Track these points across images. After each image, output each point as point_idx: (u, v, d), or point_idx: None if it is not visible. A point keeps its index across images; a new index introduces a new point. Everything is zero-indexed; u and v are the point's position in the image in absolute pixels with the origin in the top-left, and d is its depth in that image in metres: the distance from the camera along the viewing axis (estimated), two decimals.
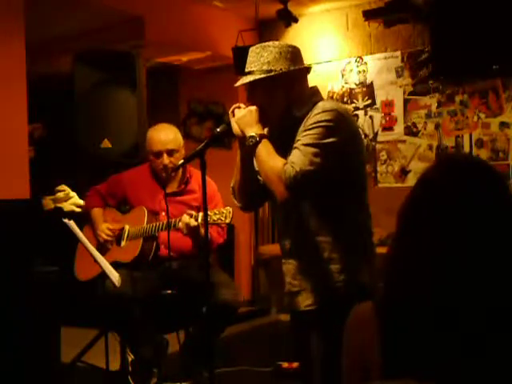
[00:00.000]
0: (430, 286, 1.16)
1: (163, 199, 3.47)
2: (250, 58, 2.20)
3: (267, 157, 2.11)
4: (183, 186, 3.65)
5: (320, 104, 2.13)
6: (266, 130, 2.29)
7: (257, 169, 2.23)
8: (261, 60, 2.15)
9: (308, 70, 2.27)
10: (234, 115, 2.22)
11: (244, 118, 2.18)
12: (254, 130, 2.15)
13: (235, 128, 2.21)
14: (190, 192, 3.64)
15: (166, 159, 3.53)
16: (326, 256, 2.13)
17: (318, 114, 2.08)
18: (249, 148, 2.15)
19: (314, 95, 2.24)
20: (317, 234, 2.15)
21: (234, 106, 2.25)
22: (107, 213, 3.72)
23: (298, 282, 2.19)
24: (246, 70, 2.20)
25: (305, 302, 2.18)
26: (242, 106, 2.22)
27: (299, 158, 2.03)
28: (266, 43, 2.20)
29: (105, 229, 3.61)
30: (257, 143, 2.13)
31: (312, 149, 2.03)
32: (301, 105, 2.18)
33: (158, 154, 3.55)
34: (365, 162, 2.27)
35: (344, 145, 2.08)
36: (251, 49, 2.22)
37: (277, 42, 2.22)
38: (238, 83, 2.23)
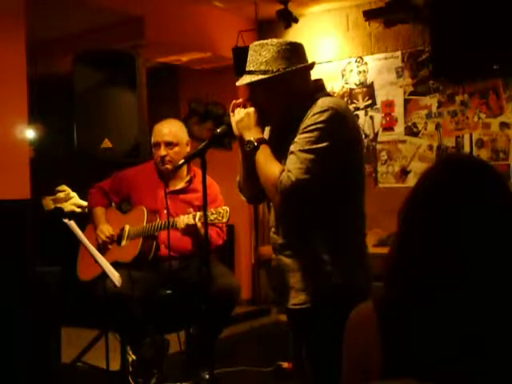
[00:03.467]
0: (430, 287, 1.16)
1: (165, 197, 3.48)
2: (249, 57, 2.17)
3: (264, 164, 2.09)
4: (186, 184, 3.67)
5: (319, 102, 2.08)
6: (267, 130, 2.28)
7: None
8: (259, 59, 2.12)
9: (309, 67, 2.22)
10: (233, 113, 2.21)
11: (242, 121, 2.17)
12: (252, 135, 2.14)
13: (235, 128, 2.21)
14: (193, 191, 3.66)
15: (162, 150, 3.58)
16: (318, 256, 2.10)
17: (315, 115, 2.04)
18: (247, 153, 2.15)
19: (318, 91, 2.19)
20: (309, 233, 2.13)
21: (232, 102, 2.23)
22: (108, 212, 3.73)
23: (289, 279, 2.17)
24: (246, 69, 2.17)
25: (294, 299, 2.15)
26: (240, 100, 2.20)
27: (295, 165, 2.00)
28: (266, 41, 2.16)
29: (105, 230, 3.61)
30: (255, 148, 2.12)
31: (308, 155, 2.00)
32: (303, 102, 2.13)
33: (156, 145, 3.63)
34: (363, 161, 2.22)
35: (341, 146, 2.05)
36: (251, 46, 2.18)
37: (276, 40, 2.17)
38: (238, 83, 2.20)
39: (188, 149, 3.67)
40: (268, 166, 2.09)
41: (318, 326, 2.09)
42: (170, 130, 3.64)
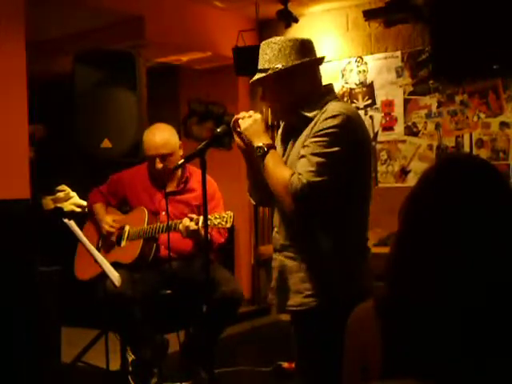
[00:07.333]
0: (431, 286, 1.16)
1: (162, 199, 3.47)
2: (259, 55, 2.20)
3: (274, 168, 2.10)
4: (182, 185, 3.65)
5: (330, 107, 2.10)
6: (279, 132, 2.29)
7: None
8: (264, 58, 2.16)
9: (315, 61, 2.24)
10: (238, 126, 2.21)
11: (250, 128, 2.17)
12: (261, 140, 2.14)
13: (238, 141, 2.23)
14: (189, 191, 3.64)
15: (158, 164, 3.51)
16: (322, 256, 2.10)
17: (327, 119, 2.06)
18: (257, 158, 2.15)
19: (327, 94, 2.21)
20: (314, 234, 2.13)
21: (235, 117, 2.24)
22: (109, 212, 3.72)
23: (290, 280, 2.16)
24: (258, 68, 2.21)
25: (295, 300, 2.14)
26: (246, 114, 2.21)
27: (307, 168, 2.01)
28: (271, 39, 2.19)
29: (110, 221, 3.61)
30: (264, 154, 2.12)
31: (320, 159, 2.01)
32: (312, 104, 2.15)
33: (151, 159, 3.55)
34: (371, 164, 2.23)
35: (352, 151, 2.06)
36: (261, 45, 2.22)
37: (279, 38, 2.19)
38: (250, 81, 2.24)
39: (181, 152, 3.61)
40: (278, 169, 2.09)
41: (320, 327, 2.09)
42: (163, 140, 3.52)
